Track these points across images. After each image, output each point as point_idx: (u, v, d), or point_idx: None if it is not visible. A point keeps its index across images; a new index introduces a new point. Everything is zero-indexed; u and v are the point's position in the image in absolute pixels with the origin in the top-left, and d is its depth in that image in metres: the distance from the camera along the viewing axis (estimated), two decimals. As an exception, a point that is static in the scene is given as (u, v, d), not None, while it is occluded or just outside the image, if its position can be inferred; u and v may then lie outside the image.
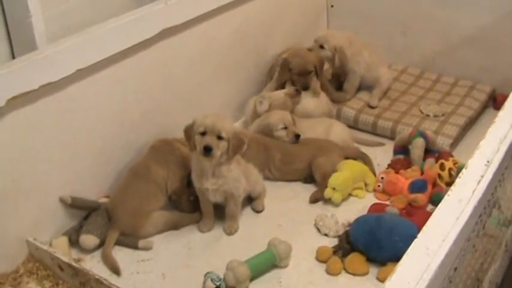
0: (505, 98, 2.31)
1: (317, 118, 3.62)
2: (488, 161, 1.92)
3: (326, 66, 3.95)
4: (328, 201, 3.09)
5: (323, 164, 3.21)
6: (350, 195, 3.16)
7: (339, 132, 3.48)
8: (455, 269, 1.77)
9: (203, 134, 2.74)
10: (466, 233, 1.73)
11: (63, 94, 2.75)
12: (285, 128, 3.36)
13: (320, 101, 3.73)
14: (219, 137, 2.73)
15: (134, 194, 2.93)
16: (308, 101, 3.68)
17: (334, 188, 3.07)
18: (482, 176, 1.85)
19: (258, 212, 3.10)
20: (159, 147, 3.10)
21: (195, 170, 2.89)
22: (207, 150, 2.71)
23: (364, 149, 3.46)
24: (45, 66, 2.63)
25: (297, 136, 3.35)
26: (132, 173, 3.02)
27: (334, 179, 3.09)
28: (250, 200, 3.14)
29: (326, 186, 3.09)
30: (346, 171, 3.14)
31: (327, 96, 3.79)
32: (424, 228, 1.64)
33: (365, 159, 3.31)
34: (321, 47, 3.78)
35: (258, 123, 3.49)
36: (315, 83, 3.72)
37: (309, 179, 3.27)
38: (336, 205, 3.08)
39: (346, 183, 3.11)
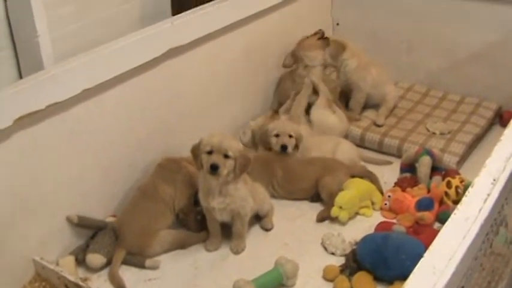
0: (511, 115, 2.31)
1: (325, 136, 3.62)
2: (494, 180, 1.91)
3: (334, 83, 3.98)
4: (335, 219, 3.08)
5: (329, 183, 3.20)
6: (357, 213, 3.15)
7: (346, 151, 3.48)
8: (463, 287, 1.76)
9: (210, 152, 2.74)
10: (473, 251, 1.73)
11: (70, 114, 2.76)
12: (277, 135, 3.37)
13: (341, 118, 3.75)
14: (226, 156, 2.74)
15: (142, 213, 2.93)
16: (331, 118, 3.71)
17: (340, 207, 3.06)
18: (488, 195, 1.84)
19: (267, 230, 3.10)
20: (166, 165, 3.10)
21: (202, 189, 2.89)
22: (214, 169, 2.71)
23: (371, 168, 3.46)
24: (52, 86, 2.63)
25: (283, 147, 3.34)
26: (140, 192, 3.02)
27: (341, 198, 3.08)
28: (258, 219, 3.13)
29: (333, 205, 3.08)
30: (352, 190, 3.14)
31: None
32: (431, 247, 1.63)
33: (372, 178, 3.30)
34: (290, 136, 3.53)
35: (260, 128, 3.55)
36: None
37: (315, 197, 3.26)
38: (343, 224, 3.07)
39: (353, 202, 3.10)
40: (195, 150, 2.81)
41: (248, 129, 3.65)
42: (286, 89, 3.96)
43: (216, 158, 2.72)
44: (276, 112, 3.83)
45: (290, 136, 3.37)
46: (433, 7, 4.04)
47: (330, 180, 3.21)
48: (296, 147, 3.40)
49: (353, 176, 3.28)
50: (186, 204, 3.03)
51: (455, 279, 1.59)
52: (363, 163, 3.54)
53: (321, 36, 3.98)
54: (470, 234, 1.68)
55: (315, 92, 3.80)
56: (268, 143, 3.41)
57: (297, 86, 3.88)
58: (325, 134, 3.64)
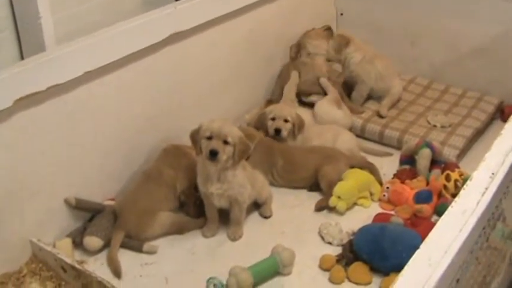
0: (513, 109, 2.31)
1: (325, 125, 3.62)
2: (493, 173, 1.91)
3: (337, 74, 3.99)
4: (332, 209, 3.09)
5: (329, 172, 3.20)
6: (355, 204, 3.15)
7: (346, 141, 3.48)
8: (458, 280, 1.76)
9: (209, 138, 2.74)
10: (469, 245, 1.73)
11: (70, 96, 2.76)
12: (273, 119, 3.39)
13: (346, 114, 3.76)
14: (225, 142, 2.74)
15: (145, 194, 2.95)
16: (336, 113, 3.71)
17: (339, 197, 3.07)
18: (486, 188, 1.84)
19: (266, 217, 3.11)
20: (172, 150, 3.12)
21: (201, 174, 2.89)
22: (213, 155, 2.71)
23: (371, 159, 3.46)
24: (53, 67, 2.63)
25: (277, 131, 3.38)
26: (145, 176, 3.04)
27: (340, 188, 3.08)
28: (257, 206, 3.14)
29: (331, 195, 3.08)
30: (351, 180, 3.14)
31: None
32: (427, 239, 1.63)
33: (371, 169, 3.30)
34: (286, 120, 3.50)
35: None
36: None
37: (314, 187, 3.26)
38: (341, 214, 3.07)
39: (352, 192, 3.10)
40: (195, 135, 2.81)
41: (244, 123, 3.66)
42: (288, 78, 3.95)
43: (215, 144, 2.72)
44: (270, 102, 3.84)
45: (286, 121, 3.39)
46: (437, 0, 4.03)
47: (330, 169, 3.21)
48: (295, 131, 3.42)
49: (352, 167, 3.28)
50: (187, 187, 3.04)
51: (450, 272, 1.59)
52: (363, 154, 3.54)
53: (327, 28, 4.00)
54: (466, 228, 1.68)
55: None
56: (265, 126, 3.43)
57: (300, 74, 3.88)
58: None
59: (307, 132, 3.49)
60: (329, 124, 3.64)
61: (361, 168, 3.28)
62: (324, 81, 3.83)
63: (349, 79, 3.95)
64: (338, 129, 3.57)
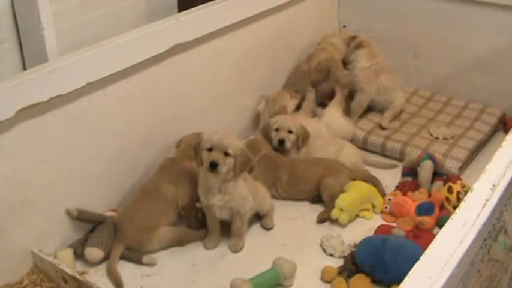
0: (514, 121, 2.31)
1: (329, 139, 3.61)
2: (494, 185, 1.90)
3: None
4: (334, 221, 3.08)
5: (331, 184, 3.20)
6: (357, 216, 3.14)
7: (349, 155, 3.47)
8: (458, 292, 1.75)
9: (210, 150, 2.74)
10: (469, 257, 1.72)
11: (72, 107, 2.76)
12: (277, 130, 3.39)
13: (349, 123, 3.77)
14: (226, 154, 2.73)
15: (144, 209, 2.94)
16: (341, 120, 3.74)
17: (341, 209, 3.06)
18: (487, 200, 1.83)
19: (267, 229, 3.10)
20: (168, 165, 3.10)
21: (202, 186, 2.89)
22: (213, 166, 2.71)
23: (375, 171, 3.47)
24: (56, 78, 2.64)
25: (281, 141, 3.38)
26: (143, 191, 3.02)
27: (342, 200, 3.07)
28: (258, 218, 3.13)
29: (333, 207, 3.08)
30: (353, 192, 3.13)
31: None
32: (427, 250, 1.63)
33: (374, 182, 3.29)
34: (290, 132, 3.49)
35: (264, 121, 3.58)
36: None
37: (316, 199, 3.26)
38: (343, 226, 3.07)
39: (354, 204, 3.09)
40: (196, 147, 2.81)
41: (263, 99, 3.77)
42: (302, 73, 4.00)
43: (216, 156, 2.72)
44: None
45: (290, 132, 3.39)
46: (440, 12, 4.04)
47: (332, 181, 3.20)
48: (299, 143, 3.42)
49: (355, 179, 3.27)
50: (188, 202, 3.03)
51: (451, 284, 1.59)
52: (368, 167, 3.53)
53: (353, 37, 4.02)
54: (467, 239, 1.67)
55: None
56: (269, 137, 3.43)
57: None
58: (333, 133, 3.65)
59: (310, 146, 3.48)
60: (334, 130, 3.65)
61: (363, 181, 3.27)
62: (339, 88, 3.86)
63: (350, 84, 3.95)
64: (342, 143, 3.56)
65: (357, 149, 3.60)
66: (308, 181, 3.27)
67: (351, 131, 3.74)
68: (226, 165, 2.73)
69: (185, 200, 3.02)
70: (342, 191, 3.15)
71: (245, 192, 2.89)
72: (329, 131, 3.67)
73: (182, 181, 3.04)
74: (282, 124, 3.41)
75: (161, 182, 3.01)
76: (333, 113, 3.77)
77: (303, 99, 3.88)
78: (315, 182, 3.25)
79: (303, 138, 3.43)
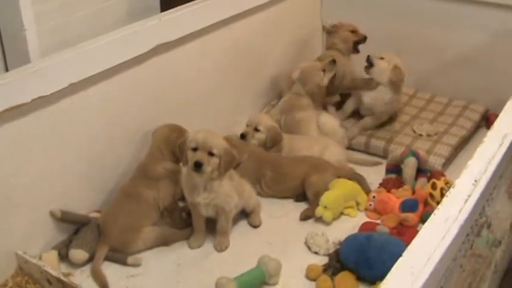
0: (497, 117, 2.32)
1: (314, 137, 3.62)
2: (475, 181, 1.91)
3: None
4: (319, 219, 3.09)
5: (316, 182, 3.21)
6: (341, 213, 3.15)
7: (334, 153, 3.48)
8: (441, 288, 1.76)
9: (195, 149, 2.74)
10: (452, 252, 1.73)
11: (55, 108, 2.75)
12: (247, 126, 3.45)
13: (342, 129, 3.78)
14: (210, 153, 2.73)
15: (127, 210, 2.93)
16: (335, 122, 3.75)
17: (325, 207, 3.07)
18: (469, 196, 1.84)
19: (255, 227, 3.11)
20: (146, 170, 3.03)
21: (187, 185, 2.89)
22: (198, 166, 2.71)
23: (360, 169, 3.48)
24: (38, 79, 2.63)
25: (242, 135, 3.41)
26: (124, 194, 3.00)
27: (326, 198, 3.08)
28: (245, 216, 3.14)
29: (318, 204, 3.09)
30: (338, 190, 3.14)
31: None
32: (409, 247, 1.64)
33: (359, 180, 3.31)
34: (256, 129, 3.48)
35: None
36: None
37: (300, 197, 3.26)
38: (327, 223, 3.07)
39: (338, 202, 3.10)
40: (182, 146, 2.81)
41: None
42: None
43: (200, 156, 2.72)
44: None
45: (256, 129, 3.42)
46: (422, 10, 4.06)
47: (317, 179, 3.21)
48: (267, 144, 3.41)
49: (340, 177, 3.28)
50: (170, 203, 3.02)
51: (433, 280, 1.59)
52: (352, 165, 3.54)
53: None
54: (449, 235, 1.68)
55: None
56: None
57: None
58: (326, 135, 3.65)
59: (295, 145, 3.49)
60: (328, 132, 3.65)
61: (348, 179, 3.28)
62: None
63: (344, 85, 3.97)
64: (326, 141, 3.56)
65: (341, 148, 3.61)
66: (292, 179, 3.27)
67: (342, 135, 3.72)
68: (210, 165, 2.73)
69: (167, 201, 3.01)
70: (327, 189, 3.16)
71: (230, 190, 2.89)
72: (321, 132, 3.67)
73: (161, 184, 3.01)
74: (251, 120, 3.44)
75: (140, 187, 2.99)
76: (328, 116, 3.77)
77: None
78: (299, 179, 3.26)
79: (272, 139, 3.42)
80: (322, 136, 3.63)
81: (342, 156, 3.52)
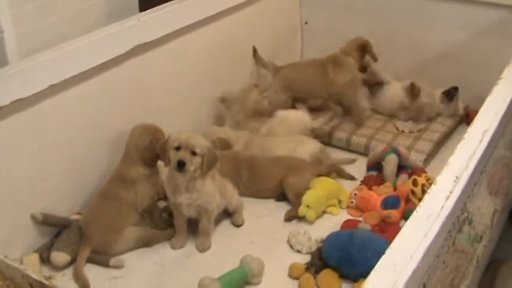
0: (477, 113, 2.33)
1: (287, 136, 3.60)
2: (457, 177, 1.92)
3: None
4: (301, 218, 3.09)
5: (294, 183, 3.20)
6: (324, 212, 3.16)
7: (309, 149, 3.46)
8: (424, 285, 1.77)
9: (177, 149, 2.74)
10: (434, 249, 1.73)
11: (35, 110, 2.73)
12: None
13: (303, 114, 3.79)
14: (193, 153, 2.74)
15: (107, 211, 2.91)
16: (293, 113, 3.78)
17: (308, 206, 3.06)
18: (450, 192, 1.85)
19: (237, 226, 3.11)
20: (123, 174, 3.00)
21: (169, 185, 2.89)
22: (181, 166, 2.71)
23: (338, 167, 3.48)
24: (17, 81, 2.61)
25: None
26: (103, 196, 2.98)
27: (308, 197, 3.08)
28: (228, 216, 3.14)
29: (300, 204, 3.09)
30: (319, 189, 3.14)
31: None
32: (392, 244, 1.64)
33: (338, 171, 3.35)
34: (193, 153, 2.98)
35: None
36: None
37: (281, 196, 3.26)
38: (310, 222, 3.08)
39: (320, 201, 3.11)
40: (163, 146, 2.81)
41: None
42: None
43: (183, 155, 2.72)
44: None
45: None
46: (400, 7, 4.07)
47: (295, 180, 3.21)
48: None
49: (320, 175, 3.29)
50: (149, 205, 3.00)
51: (417, 277, 1.60)
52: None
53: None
54: (431, 232, 1.69)
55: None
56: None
57: None
58: (289, 128, 3.64)
59: (267, 145, 3.49)
60: (288, 125, 3.65)
61: (327, 174, 3.29)
62: None
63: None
64: (300, 138, 3.56)
65: (316, 143, 3.58)
66: (269, 180, 3.27)
67: (306, 121, 3.72)
68: (193, 165, 2.74)
69: (145, 203, 2.98)
70: (307, 189, 3.16)
71: (212, 190, 2.89)
72: (284, 128, 3.66)
73: (138, 187, 2.97)
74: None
75: (118, 189, 2.97)
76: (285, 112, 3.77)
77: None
78: (276, 181, 3.25)
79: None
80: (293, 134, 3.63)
81: (315, 150, 3.49)
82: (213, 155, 2.80)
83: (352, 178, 3.34)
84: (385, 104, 3.96)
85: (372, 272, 1.55)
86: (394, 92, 3.95)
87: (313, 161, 3.41)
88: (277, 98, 3.85)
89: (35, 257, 2.78)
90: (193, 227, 2.97)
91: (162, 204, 3.14)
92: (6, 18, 3.14)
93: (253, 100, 3.71)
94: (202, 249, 2.93)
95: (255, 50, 4.04)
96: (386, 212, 3.04)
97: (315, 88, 3.89)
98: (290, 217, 3.13)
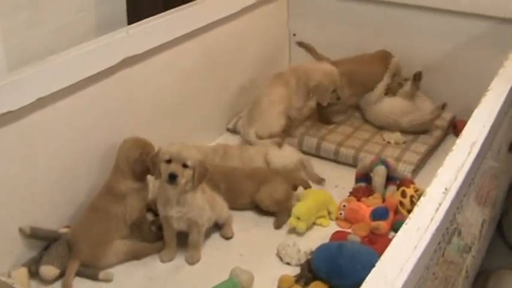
0: (464, 124, 2.34)
1: (257, 147, 3.60)
2: (446, 189, 1.93)
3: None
4: (291, 230, 3.09)
5: (265, 196, 3.21)
6: (314, 223, 3.16)
7: (278, 158, 3.47)
8: (415, 297, 1.77)
9: (168, 161, 2.74)
10: (424, 261, 1.74)
11: (23, 123, 2.72)
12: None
13: (294, 151, 3.68)
14: (185, 165, 2.73)
15: (96, 224, 2.90)
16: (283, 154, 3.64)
17: (298, 218, 3.07)
18: (440, 204, 1.85)
19: (227, 238, 3.10)
20: (111, 187, 2.99)
21: (160, 198, 2.89)
22: (172, 178, 2.71)
23: (326, 177, 3.50)
24: (5, 94, 2.60)
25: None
26: (92, 209, 2.97)
27: (298, 209, 3.08)
28: (217, 228, 3.13)
29: (283, 210, 3.13)
30: (309, 200, 3.14)
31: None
32: (382, 256, 1.64)
33: (305, 186, 3.34)
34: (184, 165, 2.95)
35: None
36: None
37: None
38: (300, 234, 3.08)
39: (310, 212, 3.10)
40: (154, 159, 2.81)
41: None
42: None
43: (174, 167, 2.72)
44: None
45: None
46: (388, 19, 4.09)
47: (264, 193, 3.21)
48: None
49: (295, 185, 3.31)
50: (138, 218, 2.99)
51: (407, 288, 1.60)
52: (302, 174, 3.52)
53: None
54: (421, 244, 1.69)
55: None
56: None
57: None
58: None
59: (244, 155, 3.49)
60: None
61: (299, 183, 3.32)
62: None
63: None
64: (267, 148, 3.54)
65: (288, 151, 3.58)
66: (244, 195, 3.26)
67: (296, 158, 3.58)
68: (184, 177, 2.74)
69: (134, 216, 2.97)
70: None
71: (203, 203, 2.89)
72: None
73: (128, 200, 2.96)
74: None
75: (107, 203, 2.95)
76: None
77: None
78: (249, 196, 3.25)
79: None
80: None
81: (286, 159, 3.48)
82: (204, 168, 2.80)
83: (319, 180, 3.41)
84: (380, 117, 3.96)
85: (364, 284, 1.55)
86: (392, 103, 3.96)
87: (293, 170, 3.41)
88: (344, 94, 3.93)
89: (23, 271, 2.76)
90: (183, 239, 2.96)
91: (150, 217, 3.13)
92: (-6, 31, 3.14)
93: None
94: (192, 262, 2.92)
95: (307, 46, 4.14)
96: (375, 224, 3.04)
97: (375, 82, 4.02)
98: (279, 224, 3.15)
